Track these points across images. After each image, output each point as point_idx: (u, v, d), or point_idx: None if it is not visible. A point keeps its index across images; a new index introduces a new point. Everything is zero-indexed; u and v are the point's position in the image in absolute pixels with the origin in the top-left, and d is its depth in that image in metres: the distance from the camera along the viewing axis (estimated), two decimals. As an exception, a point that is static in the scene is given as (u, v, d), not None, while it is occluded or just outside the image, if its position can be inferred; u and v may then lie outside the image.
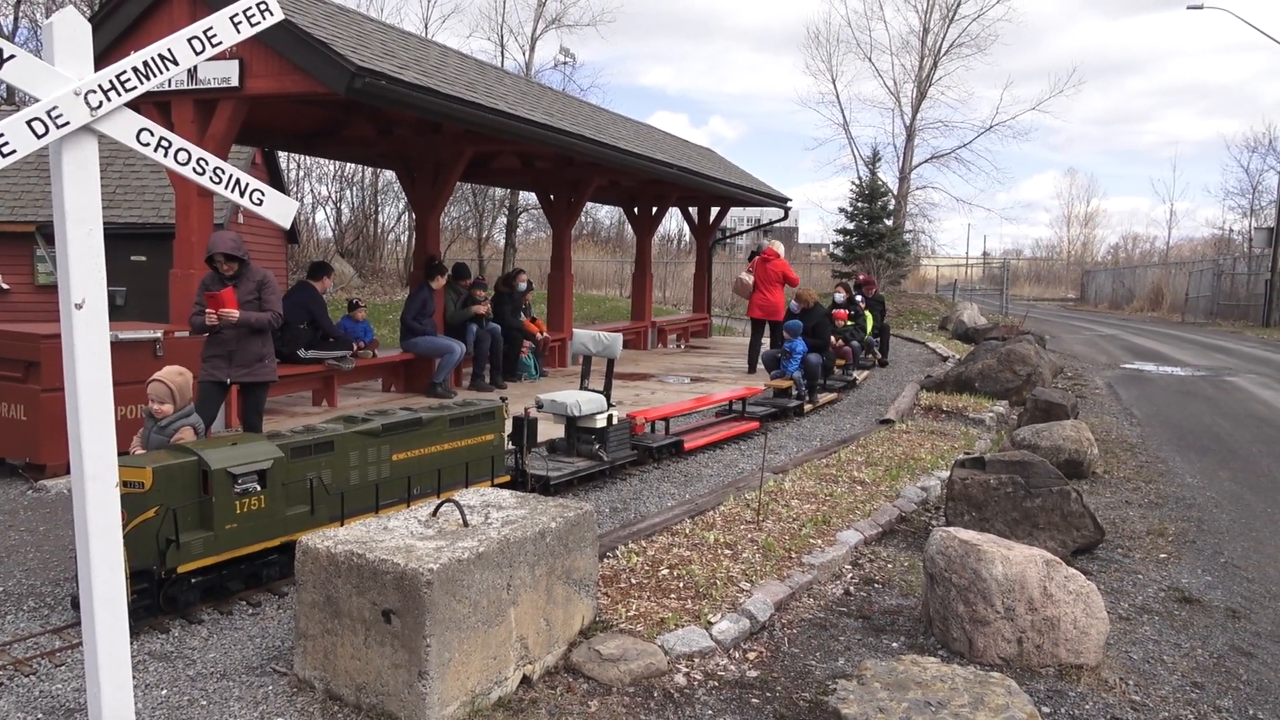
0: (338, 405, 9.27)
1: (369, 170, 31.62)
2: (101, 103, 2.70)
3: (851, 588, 4.80)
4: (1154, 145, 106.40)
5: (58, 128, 2.62)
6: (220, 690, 3.51)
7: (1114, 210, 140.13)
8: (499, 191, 32.25)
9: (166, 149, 2.90)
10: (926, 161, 36.91)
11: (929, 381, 11.70)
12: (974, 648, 3.91)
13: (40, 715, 3.31)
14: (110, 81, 2.73)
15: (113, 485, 2.83)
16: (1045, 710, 3.52)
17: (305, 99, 8.46)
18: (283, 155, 21.48)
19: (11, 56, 2.55)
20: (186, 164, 2.95)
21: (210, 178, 3.00)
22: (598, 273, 38.38)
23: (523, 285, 12.02)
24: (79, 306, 2.74)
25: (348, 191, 32.16)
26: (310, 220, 31.74)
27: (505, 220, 33.75)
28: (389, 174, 32.06)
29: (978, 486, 5.44)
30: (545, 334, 12.40)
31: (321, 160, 29.32)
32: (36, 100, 2.61)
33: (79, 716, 3.29)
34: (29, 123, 2.57)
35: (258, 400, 6.29)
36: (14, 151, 2.53)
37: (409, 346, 10.20)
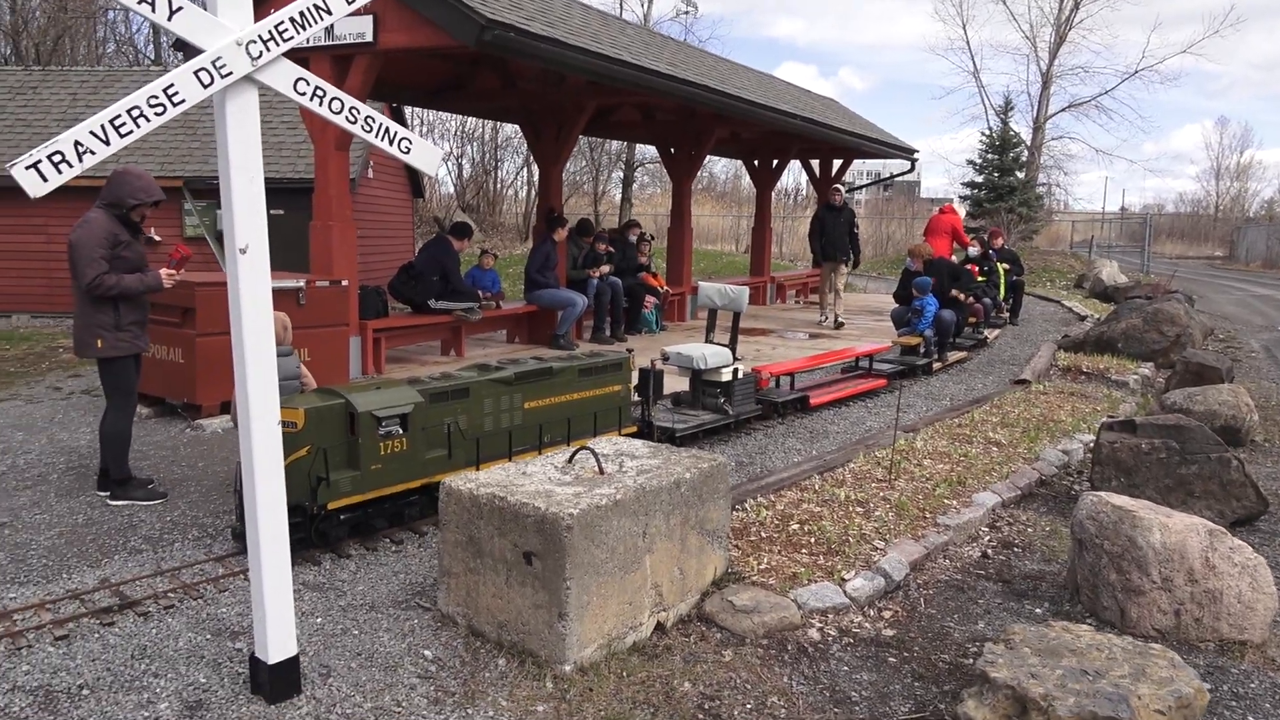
0: (465, 355, 9.51)
1: (489, 126, 32.10)
2: (261, 53, 2.78)
3: (989, 550, 4.64)
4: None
5: (222, 78, 2.71)
6: (370, 621, 3.67)
7: (1271, 162, 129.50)
8: (615, 146, 32.23)
9: (321, 98, 2.97)
10: (1063, 110, 34.83)
11: (1067, 341, 11.14)
12: (1126, 618, 3.72)
13: (208, 636, 3.53)
14: (269, 32, 2.80)
15: (275, 423, 2.96)
16: (1206, 686, 3.32)
17: (435, 53, 8.58)
18: (408, 111, 21.98)
19: (180, 8, 2.64)
20: (340, 112, 3.02)
21: (361, 126, 3.06)
22: (713, 227, 38.01)
23: (633, 238, 12.00)
24: (243, 251, 2.85)
25: (469, 147, 32.77)
26: (434, 176, 32.48)
27: (621, 175, 33.75)
28: (508, 130, 32.47)
29: (1127, 451, 5.16)
30: (666, 288, 12.38)
31: (444, 117, 29.95)
32: (201, 51, 2.70)
33: (243, 639, 3.50)
34: (196, 73, 2.66)
35: None
36: (183, 101, 2.63)
37: (532, 299, 10.35)
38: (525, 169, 34.46)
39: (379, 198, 15.58)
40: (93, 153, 2.44)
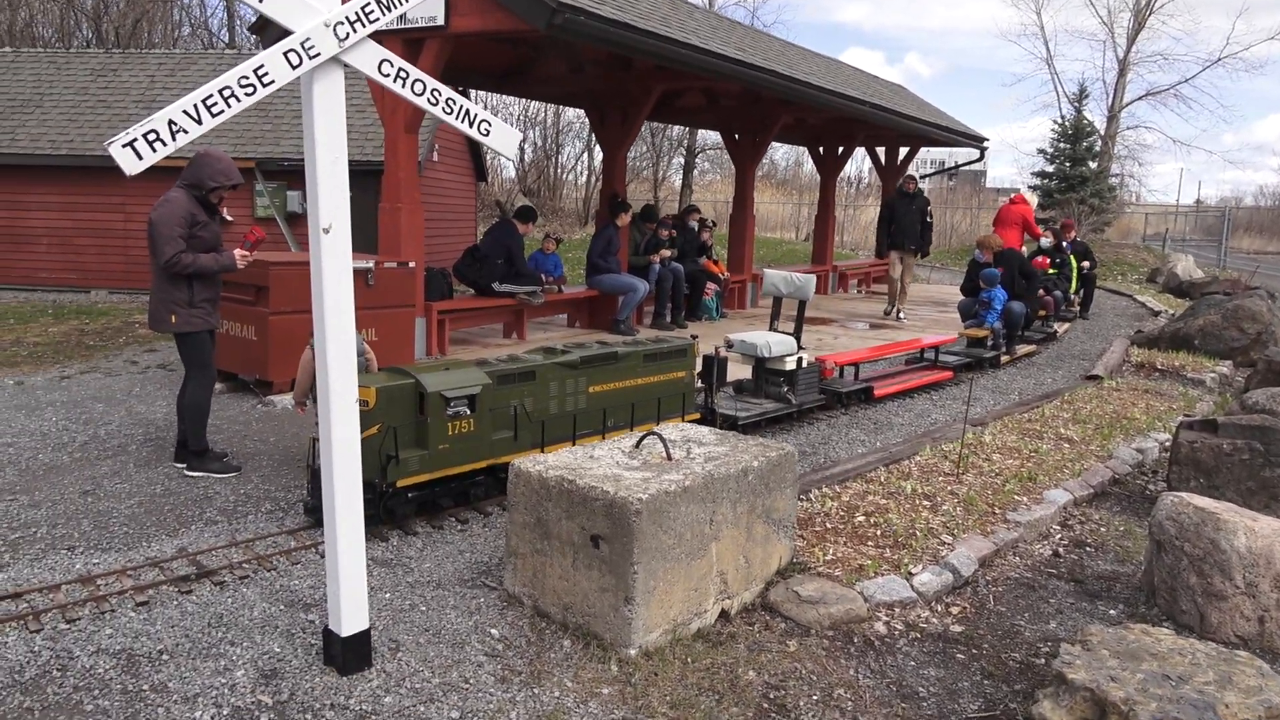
0: (526, 338, 9.58)
1: (550, 111, 32.21)
2: (348, 34, 2.81)
3: (1061, 549, 4.54)
4: None
5: (310, 58, 2.75)
6: (437, 598, 3.72)
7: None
8: (676, 131, 32.09)
9: (404, 79, 2.99)
10: (1140, 99, 33.77)
11: (1140, 337, 10.83)
12: (1206, 623, 3.61)
13: (282, 607, 3.62)
14: (356, 13, 2.82)
15: (353, 400, 3.01)
16: (1293, 697, 3.21)
17: (505, 36, 8.61)
18: (472, 95, 22.09)
19: (270, -10, 2.68)
20: (421, 94, 3.04)
21: (443, 108, 3.08)
22: (772, 215, 37.65)
23: (693, 223, 11.93)
24: (326, 231, 2.89)
25: (531, 132, 32.92)
26: (496, 160, 32.72)
27: (682, 161, 33.61)
28: (569, 114, 32.56)
29: (1208, 451, 4.99)
30: (727, 275, 12.32)
31: (507, 101, 30.11)
32: (289, 33, 2.74)
33: (315, 611, 3.57)
34: (285, 54, 2.70)
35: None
36: (273, 81, 2.67)
37: (594, 283, 10.37)
38: (586, 154, 34.56)
39: (443, 181, 15.74)
40: (185, 131, 2.49)
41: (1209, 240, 32.31)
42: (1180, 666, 2.76)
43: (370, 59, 2.90)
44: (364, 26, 2.83)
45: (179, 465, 5.25)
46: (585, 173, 34.81)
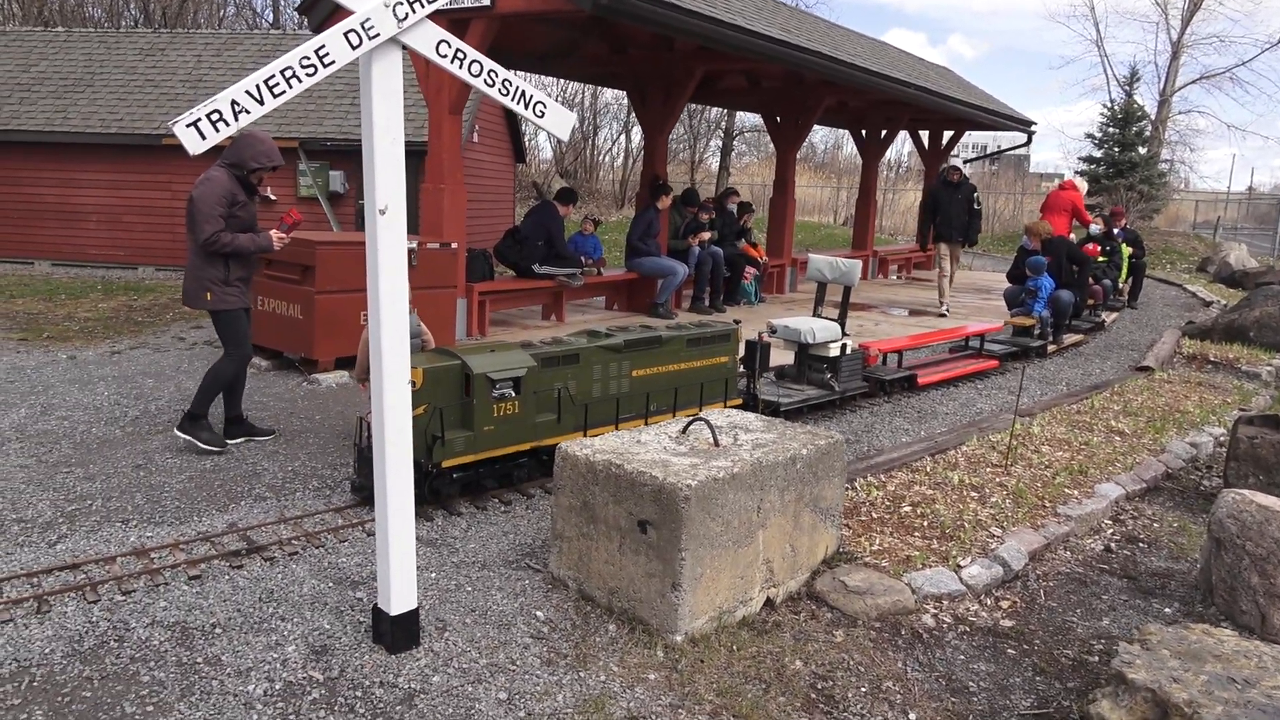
0: (565, 320, 9.58)
1: (588, 92, 32.09)
2: (407, 14, 2.80)
3: (1113, 544, 4.45)
4: None
5: (370, 39, 2.74)
6: (482, 579, 3.74)
7: None
8: (714, 113, 31.84)
9: (461, 60, 2.98)
10: (1194, 82, 32.95)
11: (1192, 328, 10.59)
12: (1267, 624, 3.52)
13: (330, 584, 3.65)
14: (415, -7, 2.81)
15: (405, 381, 3.01)
16: (1357, 702, 3.12)
17: (551, 17, 8.56)
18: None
19: (329, -31, 2.67)
20: (479, 75, 3.02)
21: (499, 89, 3.06)
22: (810, 198, 37.27)
23: (732, 206, 11.83)
24: (383, 212, 2.89)
25: (569, 113, 32.81)
26: (534, 141, 32.73)
27: (720, 143, 33.38)
28: (607, 96, 32.43)
29: (1269, 447, 4.86)
30: (766, 259, 12.22)
31: (545, 82, 30.04)
32: (350, 13, 2.73)
33: (363, 589, 3.61)
34: (345, 34, 2.69)
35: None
36: (333, 62, 2.67)
37: (633, 266, 10.34)
38: (623, 135, 34.44)
39: (483, 162, 15.76)
40: (248, 112, 2.49)
41: (1262, 229, 31.47)
42: (1246, 669, 2.70)
43: (429, 39, 2.88)
44: (422, 7, 2.81)
45: (232, 442, 5.33)
46: (621, 154, 34.73)
